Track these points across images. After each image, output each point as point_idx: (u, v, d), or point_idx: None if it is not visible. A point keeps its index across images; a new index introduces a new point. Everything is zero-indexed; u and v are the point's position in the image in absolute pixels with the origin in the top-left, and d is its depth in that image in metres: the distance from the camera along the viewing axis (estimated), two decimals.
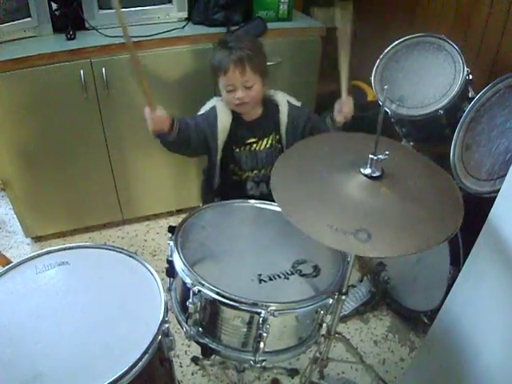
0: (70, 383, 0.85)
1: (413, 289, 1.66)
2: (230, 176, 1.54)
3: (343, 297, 1.15)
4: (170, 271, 1.09)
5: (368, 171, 0.96)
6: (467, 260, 1.08)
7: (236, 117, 1.47)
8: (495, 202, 0.98)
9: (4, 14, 1.63)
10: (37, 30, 1.70)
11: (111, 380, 0.83)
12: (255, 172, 1.52)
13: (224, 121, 1.46)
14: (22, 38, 1.69)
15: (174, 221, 2.16)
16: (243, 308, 0.93)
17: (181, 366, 1.57)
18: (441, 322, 1.23)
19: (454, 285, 1.12)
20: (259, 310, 0.92)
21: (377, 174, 0.96)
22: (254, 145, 1.50)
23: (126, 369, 0.86)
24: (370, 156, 0.96)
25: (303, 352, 1.08)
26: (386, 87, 1.00)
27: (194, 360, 1.58)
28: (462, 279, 1.11)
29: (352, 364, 1.59)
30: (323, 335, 1.25)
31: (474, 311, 1.09)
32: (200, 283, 0.95)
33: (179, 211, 2.19)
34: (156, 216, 2.19)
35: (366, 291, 1.77)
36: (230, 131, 1.47)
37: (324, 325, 1.05)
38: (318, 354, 1.35)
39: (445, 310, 1.20)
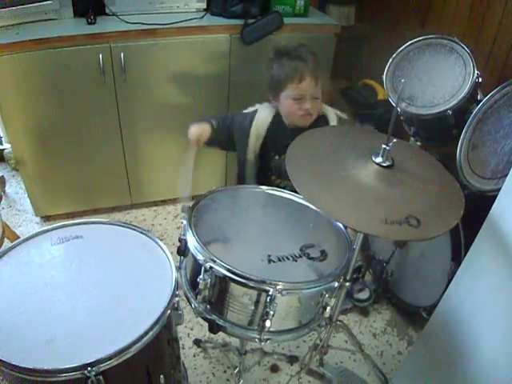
0: (80, 348, 0.88)
1: (414, 284, 1.69)
2: (268, 184, 1.50)
3: (347, 283, 1.20)
4: (182, 250, 1.12)
5: (379, 160, 1.00)
6: (468, 254, 1.11)
7: (278, 124, 1.48)
8: (497, 199, 1.01)
9: None
10: (58, 13, 1.74)
11: (120, 347, 0.87)
12: None
13: (260, 127, 1.47)
14: (43, 20, 1.73)
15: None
16: (252, 285, 0.96)
17: (183, 348, 1.60)
18: (439, 314, 1.26)
19: (454, 278, 1.16)
20: (267, 288, 0.95)
21: (387, 163, 1.00)
22: None
23: (136, 337, 0.90)
24: (383, 146, 1.00)
25: (306, 334, 1.11)
26: (402, 80, 1.02)
27: (196, 342, 1.61)
28: (461, 272, 1.14)
29: (351, 354, 1.62)
30: (325, 321, 1.30)
31: (472, 304, 1.12)
32: (212, 260, 0.98)
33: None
34: (164, 202, 2.23)
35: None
36: (266, 138, 1.48)
37: (328, 308, 1.08)
38: (318, 341, 1.38)
39: (443, 303, 1.23)
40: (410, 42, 1.63)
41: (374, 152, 1.02)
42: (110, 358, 0.86)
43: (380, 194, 0.94)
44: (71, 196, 2.00)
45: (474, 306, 1.11)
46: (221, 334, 1.60)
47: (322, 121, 1.48)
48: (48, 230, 1.16)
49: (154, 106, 1.84)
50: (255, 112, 1.50)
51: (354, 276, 1.23)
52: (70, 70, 1.67)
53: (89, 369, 0.84)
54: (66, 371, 0.84)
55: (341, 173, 0.98)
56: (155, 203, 2.22)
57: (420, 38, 1.62)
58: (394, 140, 1.01)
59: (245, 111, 1.53)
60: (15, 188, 2.27)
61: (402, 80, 1.01)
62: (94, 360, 0.84)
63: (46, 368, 0.83)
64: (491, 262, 1.05)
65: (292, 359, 1.58)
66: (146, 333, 0.92)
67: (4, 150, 2.33)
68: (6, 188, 2.23)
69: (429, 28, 1.94)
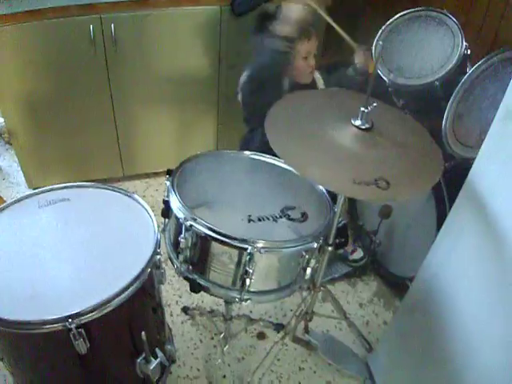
0: (63, 303, 0.91)
1: (400, 255, 1.72)
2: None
3: (329, 248, 1.22)
4: (166, 211, 1.14)
5: (358, 123, 1.02)
6: (447, 217, 1.12)
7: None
8: (474, 163, 1.02)
9: None
10: None
11: (101, 300, 0.90)
12: None
13: None
14: None
15: None
16: (232, 243, 0.98)
17: (171, 315, 1.63)
18: (420, 280, 1.28)
19: (435, 241, 1.17)
20: (246, 246, 0.97)
21: (366, 125, 1.02)
22: None
23: (116, 291, 0.92)
24: (362, 108, 1.01)
25: (287, 295, 1.14)
26: (380, 43, 1.03)
27: (184, 310, 1.65)
28: (441, 237, 1.16)
29: (336, 323, 1.65)
30: (308, 287, 1.32)
31: (452, 268, 1.14)
32: (192, 218, 1.00)
33: None
34: (156, 174, 2.25)
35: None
36: None
37: (308, 270, 1.10)
38: (302, 307, 1.41)
39: (423, 269, 1.26)
40: (399, 15, 1.62)
41: (354, 115, 1.04)
42: (90, 310, 0.89)
43: (354, 155, 0.96)
44: (63, 168, 2.01)
45: (454, 269, 1.13)
46: (208, 300, 1.67)
47: (311, 84, 1.55)
48: (36, 194, 1.19)
49: (145, 77, 1.85)
50: None
51: (337, 241, 1.25)
52: (62, 42, 1.67)
53: (69, 321, 0.87)
54: (48, 323, 0.87)
55: (319, 133, 1.00)
56: (147, 175, 2.24)
57: (409, 11, 1.62)
58: (375, 104, 1.02)
59: None
60: (8, 161, 2.28)
61: (380, 42, 1.02)
62: (74, 312, 0.87)
63: (27, 319, 0.86)
64: (470, 224, 1.06)
65: (278, 327, 1.60)
66: (126, 287, 0.95)
67: None
68: (0, 161, 2.26)
69: (420, 1, 1.93)
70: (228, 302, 1.35)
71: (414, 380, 1.32)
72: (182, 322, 1.62)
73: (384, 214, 1.67)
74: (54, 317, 0.86)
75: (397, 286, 1.76)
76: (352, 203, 2.00)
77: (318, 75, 1.61)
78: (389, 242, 1.76)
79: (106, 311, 0.91)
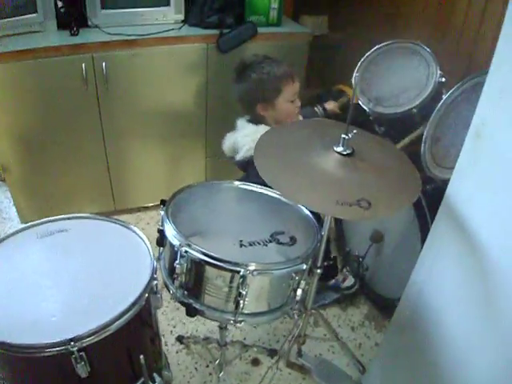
0: (64, 327, 0.95)
1: (388, 278, 1.79)
2: None
3: (318, 270, 1.30)
4: (160, 240, 1.21)
5: (340, 149, 1.12)
6: (428, 235, 1.21)
7: None
8: (450, 180, 1.12)
9: (11, 8, 1.76)
10: (42, 26, 1.85)
11: (102, 324, 0.95)
12: None
13: None
14: (28, 33, 1.83)
15: None
16: (225, 267, 1.05)
17: (166, 345, 1.67)
18: (406, 298, 1.35)
19: (418, 258, 1.26)
20: (239, 269, 1.04)
21: (348, 151, 1.11)
22: None
23: (116, 315, 0.98)
24: (342, 136, 1.11)
25: (279, 317, 1.20)
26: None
27: (179, 339, 1.69)
28: (423, 254, 1.23)
29: (329, 347, 1.71)
30: (300, 310, 1.39)
31: (435, 284, 1.21)
32: (187, 244, 1.07)
33: None
34: (146, 208, 2.32)
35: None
36: None
37: (299, 291, 1.17)
38: (295, 330, 1.47)
39: (409, 287, 1.33)
40: (376, 47, 1.76)
41: (336, 142, 1.14)
42: (92, 333, 0.94)
43: (337, 179, 1.05)
44: (56, 203, 2.07)
45: (438, 283, 1.20)
46: (202, 329, 1.72)
47: None
48: (34, 225, 1.25)
49: (135, 113, 1.95)
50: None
51: (326, 264, 1.33)
52: (54, 80, 1.77)
53: (72, 343, 0.92)
54: (51, 346, 0.92)
55: (304, 160, 1.09)
56: (138, 209, 2.31)
57: (386, 43, 1.76)
58: (355, 131, 1.13)
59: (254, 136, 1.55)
60: (0, 197, 2.35)
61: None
62: (76, 335, 0.93)
63: (30, 343, 0.92)
64: (450, 238, 1.13)
65: (272, 352, 1.65)
66: (126, 311, 1.00)
67: None
68: None
69: (398, 34, 2.08)
70: (222, 328, 1.41)
71: None
72: (176, 351, 1.66)
73: (375, 239, 1.76)
74: (57, 340, 0.91)
75: (387, 307, 1.81)
76: (339, 229, 2.09)
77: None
78: (376, 265, 1.84)
79: (106, 334, 0.96)
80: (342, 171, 1.08)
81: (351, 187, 1.04)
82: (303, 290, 1.18)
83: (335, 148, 1.12)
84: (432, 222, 1.57)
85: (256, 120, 1.60)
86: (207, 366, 1.62)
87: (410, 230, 1.66)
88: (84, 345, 0.94)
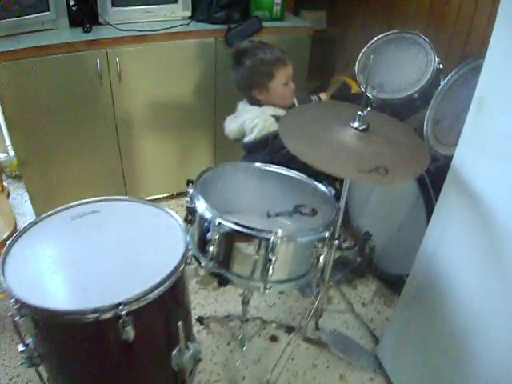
0: (111, 294, 1.03)
1: (396, 255, 1.91)
2: None
3: (336, 241, 1.40)
4: (189, 217, 1.31)
5: (356, 125, 1.23)
6: (437, 202, 1.32)
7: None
8: (455, 151, 1.23)
9: (25, 7, 1.85)
10: (54, 24, 1.93)
11: (147, 288, 1.04)
12: None
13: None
14: (41, 31, 1.91)
15: (175, 203, 2.41)
16: (256, 235, 1.14)
17: None
18: (417, 267, 1.46)
19: (427, 230, 1.37)
20: (268, 236, 1.14)
21: (363, 127, 1.23)
22: None
23: (158, 281, 1.06)
24: (359, 112, 1.23)
25: (304, 283, 1.30)
26: (372, 56, 1.28)
27: (199, 320, 1.77)
28: (431, 224, 1.35)
29: (343, 322, 1.82)
30: (318, 284, 1.50)
31: (446, 246, 1.31)
32: (220, 216, 1.17)
33: (179, 194, 2.43)
34: (158, 199, 2.41)
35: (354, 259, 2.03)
36: None
37: (321, 259, 1.28)
38: (316, 303, 1.57)
39: (419, 256, 1.44)
40: (377, 37, 1.89)
41: (352, 119, 1.25)
42: (138, 298, 1.03)
43: (355, 150, 1.17)
44: (69, 195, 2.13)
45: (447, 250, 1.30)
46: (220, 310, 1.81)
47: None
48: (66, 208, 1.34)
49: (147, 105, 2.05)
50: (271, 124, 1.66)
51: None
52: (70, 75, 1.85)
53: (120, 307, 1.00)
54: (101, 311, 1.00)
55: (325, 135, 1.20)
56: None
57: (386, 33, 1.88)
58: (369, 108, 1.24)
59: (255, 119, 1.67)
60: (12, 194, 2.41)
61: (372, 56, 1.25)
62: (124, 299, 1.01)
63: (81, 308, 1.00)
64: (456, 207, 1.25)
65: (289, 329, 1.75)
66: (166, 278, 1.09)
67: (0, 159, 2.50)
68: None
69: (394, 26, 2.21)
70: (245, 303, 1.51)
71: (421, 365, 1.46)
72: (197, 331, 1.75)
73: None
74: (107, 304, 1.00)
75: (395, 284, 1.93)
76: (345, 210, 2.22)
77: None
78: (383, 243, 1.96)
79: (149, 300, 1.05)
80: (360, 144, 1.20)
81: (369, 157, 1.15)
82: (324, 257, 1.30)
83: (352, 124, 1.24)
84: (436, 200, 1.70)
85: (255, 104, 1.71)
86: (228, 344, 1.71)
87: (415, 209, 1.78)
88: (132, 308, 1.02)
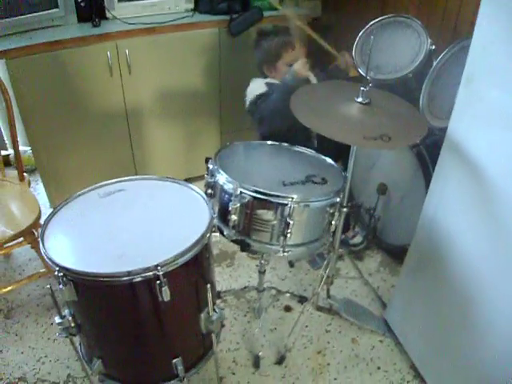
0: (148, 258, 1.14)
1: (398, 226, 2.05)
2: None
3: (344, 209, 1.54)
4: (210, 190, 1.43)
5: (360, 99, 1.37)
6: (436, 168, 1.46)
7: None
8: (450, 120, 1.37)
9: (33, 5, 1.97)
10: (63, 20, 2.05)
11: (181, 250, 1.15)
12: None
13: None
14: (50, 27, 2.03)
15: None
16: (274, 201, 1.28)
17: None
18: (420, 226, 1.58)
19: (428, 192, 1.51)
20: (286, 202, 1.28)
21: (366, 101, 1.37)
22: None
23: (191, 244, 1.18)
24: (361, 88, 1.37)
25: (318, 248, 1.44)
26: (372, 37, 1.42)
27: (217, 294, 1.90)
28: (433, 184, 1.48)
29: (351, 291, 1.96)
30: (329, 251, 1.63)
31: (445, 208, 1.44)
32: (241, 186, 1.30)
33: (187, 180, 2.51)
34: None
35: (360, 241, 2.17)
36: None
37: (333, 223, 1.41)
38: (328, 270, 1.70)
39: (422, 215, 1.56)
40: (373, 22, 2.02)
41: (356, 94, 1.39)
42: (173, 260, 1.15)
43: (361, 121, 1.31)
44: (82, 184, 2.25)
45: (446, 212, 1.43)
46: (235, 285, 1.94)
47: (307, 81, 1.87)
48: (93, 188, 1.45)
49: (155, 94, 2.17)
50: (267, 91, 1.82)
51: (350, 204, 1.58)
52: (82, 67, 1.97)
53: (159, 268, 1.13)
54: (142, 272, 1.11)
55: (332, 109, 1.34)
56: None
57: (381, 18, 2.01)
58: (370, 84, 1.38)
59: (257, 94, 1.83)
60: None
61: (372, 37, 1.38)
62: (162, 260, 1.13)
63: (124, 270, 1.12)
64: (453, 170, 1.38)
65: (302, 299, 1.89)
66: (196, 243, 1.20)
67: (9, 155, 2.60)
68: None
69: (387, 11, 2.34)
70: (261, 272, 1.65)
71: (426, 325, 1.59)
72: None
73: (382, 190, 2.02)
74: (147, 265, 1.12)
75: (398, 254, 2.07)
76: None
77: (311, 74, 1.94)
78: (386, 216, 2.10)
79: (181, 263, 1.16)
80: (364, 116, 1.34)
81: (373, 127, 1.29)
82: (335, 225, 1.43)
83: (356, 99, 1.38)
84: (434, 171, 1.84)
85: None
86: (245, 316, 1.84)
87: (415, 181, 1.91)
88: (169, 269, 1.14)
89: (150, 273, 1.12)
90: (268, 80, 1.86)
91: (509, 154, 1.16)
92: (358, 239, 2.21)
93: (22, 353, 1.67)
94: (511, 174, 1.16)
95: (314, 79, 1.94)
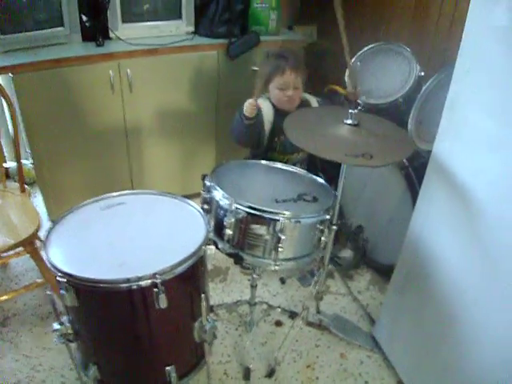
0: (146, 267, 1.21)
1: (387, 246, 2.14)
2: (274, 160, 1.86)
3: (334, 227, 1.63)
4: (205, 206, 1.52)
5: (349, 121, 1.48)
6: (421, 188, 1.56)
7: (278, 112, 1.96)
8: (435, 142, 1.48)
9: (38, 22, 2.08)
10: (68, 38, 2.16)
11: (178, 261, 1.22)
12: (295, 155, 2.03)
13: (267, 115, 1.96)
14: (55, 44, 2.14)
15: None
16: (267, 216, 1.37)
17: None
18: (406, 244, 1.67)
19: (414, 210, 1.61)
20: (278, 218, 1.37)
21: (355, 122, 1.48)
22: None
23: (187, 255, 1.26)
24: (350, 110, 1.48)
25: (308, 263, 1.53)
26: (358, 63, 1.54)
27: (209, 308, 1.97)
28: (418, 204, 1.58)
29: (341, 307, 2.03)
30: (319, 268, 1.72)
31: (430, 226, 1.53)
32: (236, 202, 1.39)
33: (183, 197, 2.61)
34: None
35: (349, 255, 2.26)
36: (273, 123, 1.96)
37: (322, 239, 1.50)
38: (313, 289, 1.79)
39: (409, 233, 1.65)
40: (365, 48, 2.15)
41: (345, 117, 1.50)
42: (170, 269, 1.23)
43: (347, 141, 1.42)
44: (80, 197, 2.33)
45: (431, 231, 1.52)
46: (227, 299, 2.01)
47: (305, 105, 1.98)
48: (95, 201, 1.53)
49: (154, 113, 2.28)
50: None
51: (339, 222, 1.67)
52: (85, 85, 2.07)
53: (157, 276, 1.21)
54: (141, 279, 1.18)
55: (323, 130, 1.45)
56: None
57: (373, 45, 2.15)
58: (359, 107, 1.50)
59: None
60: None
61: (358, 63, 1.50)
62: (160, 269, 1.20)
63: (124, 277, 1.19)
64: (438, 188, 1.47)
65: (292, 314, 1.96)
66: (192, 254, 1.28)
67: (9, 168, 2.68)
68: None
69: (380, 38, 2.48)
70: (253, 286, 1.73)
71: (413, 341, 1.66)
72: None
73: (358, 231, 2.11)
74: (146, 273, 1.19)
75: (388, 273, 2.15)
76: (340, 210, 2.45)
77: (313, 99, 2.05)
78: (375, 236, 2.19)
79: (178, 273, 1.24)
80: (352, 136, 1.45)
81: (358, 146, 1.40)
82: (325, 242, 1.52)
83: (345, 121, 1.49)
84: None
85: None
86: (236, 329, 1.91)
87: (403, 202, 2.01)
88: (166, 278, 1.22)
89: (149, 280, 1.20)
90: (260, 99, 1.96)
91: (491, 175, 1.25)
92: (345, 252, 2.30)
93: (17, 360, 1.73)
94: (494, 194, 1.25)
95: (315, 103, 2.04)
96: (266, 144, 2.00)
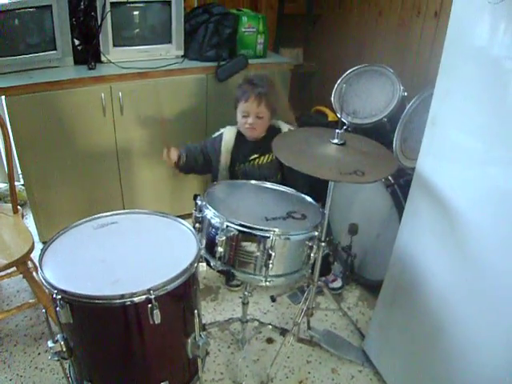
0: (140, 284, 1.28)
1: (375, 262, 2.22)
2: None
3: (323, 244, 1.71)
4: (197, 225, 1.59)
5: (336, 141, 1.57)
6: (406, 203, 1.65)
7: (240, 139, 2.07)
8: (418, 158, 1.57)
9: (31, 46, 2.16)
10: (60, 61, 2.24)
11: (171, 277, 1.29)
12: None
13: (228, 143, 2.06)
14: (48, 67, 2.22)
15: None
16: (258, 234, 1.45)
17: None
18: (394, 257, 1.75)
19: (400, 225, 1.69)
20: (268, 235, 1.44)
21: (341, 142, 1.57)
22: (257, 160, 2.09)
23: (180, 271, 1.32)
24: (336, 131, 1.57)
25: (297, 279, 1.60)
26: (344, 85, 1.63)
27: (202, 327, 2.02)
28: (404, 218, 1.67)
29: (331, 323, 2.10)
30: (308, 284, 1.79)
31: (416, 239, 1.61)
32: (228, 221, 1.47)
33: None
34: None
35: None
36: (232, 152, 2.06)
37: (311, 255, 1.58)
38: (303, 306, 1.85)
39: (395, 247, 1.73)
40: (350, 70, 2.27)
41: (332, 137, 1.59)
42: (163, 286, 1.29)
43: (336, 159, 1.51)
44: (72, 219, 2.39)
45: (417, 244, 1.60)
46: (220, 318, 2.06)
47: (273, 131, 2.02)
48: (88, 220, 1.60)
49: (145, 135, 2.36)
50: (222, 134, 2.10)
51: (327, 239, 1.75)
52: (77, 107, 2.15)
53: (151, 292, 1.27)
54: (136, 295, 1.25)
55: (311, 150, 1.54)
56: None
57: (357, 67, 2.27)
58: (345, 127, 1.59)
59: (213, 136, 2.13)
60: None
61: (344, 85, 1.60)
62: (154, 285, 1.26)
63: (119, 293, 1.25)
64: (422, 202, 1.56)
65: (284, 331, 2.01)
66: (185, 271, 1.34)
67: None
68: None
69: (364, 60, 2.61)
70: (245, 304, 1.79)
71: (403, 355, 1.73)
72: None
73: (352, 231, 2.19)
74: (140, 289, 1.25)
75: (376, 289, 2.22)
76: (328, 228, 2.53)
77: (285, 127, 2.13)
78: (363, 253, 2.27)
79: (171, 289, 1.30)
80: (340, 155, 1.54)
81: (348, 164, 1.49)
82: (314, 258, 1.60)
83: (332, 141, 1.58)
84: None
85: None
86: (228, 347, 1.97)
87: (390, 218, 2.10)
88: (160, 293, 1.28)
89: (143, 296, 1.25)
90: (228, 131, 2.11)
91: (471, 189, 1.34)
92: (337, 284, 2.35)
93: (11, 380, 1.76)
94: (475, 208, 1.33)
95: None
96: (225, 175, 2.09)
